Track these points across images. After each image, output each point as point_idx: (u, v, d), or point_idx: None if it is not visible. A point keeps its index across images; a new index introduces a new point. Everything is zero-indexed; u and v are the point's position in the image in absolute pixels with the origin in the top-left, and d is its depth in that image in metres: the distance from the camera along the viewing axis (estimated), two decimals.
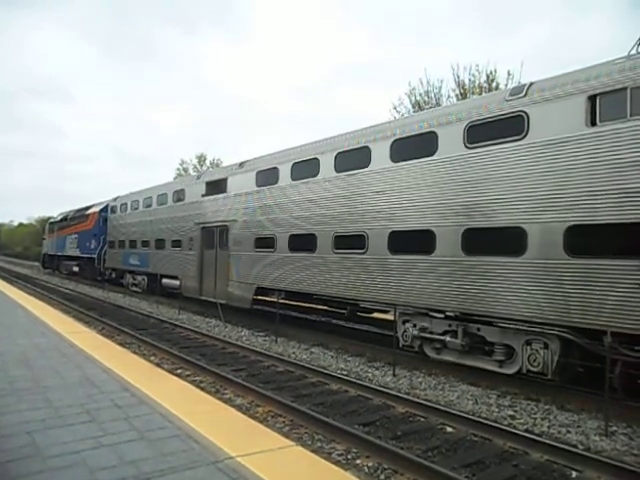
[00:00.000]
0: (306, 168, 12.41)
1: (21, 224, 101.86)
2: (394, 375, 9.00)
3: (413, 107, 25.64)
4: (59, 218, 37.02)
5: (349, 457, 5.33)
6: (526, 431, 6.18)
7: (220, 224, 15.93)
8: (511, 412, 7.06)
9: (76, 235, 31.09)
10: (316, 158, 12.14)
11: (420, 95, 25.75)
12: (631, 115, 6.79)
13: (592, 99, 7.22)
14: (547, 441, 5.67)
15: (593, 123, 7.21)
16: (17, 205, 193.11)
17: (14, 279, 30.05)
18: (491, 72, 23.93)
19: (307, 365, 9.31)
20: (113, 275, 25.77)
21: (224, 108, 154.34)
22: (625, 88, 6.86)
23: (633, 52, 7.16)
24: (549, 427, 6.49)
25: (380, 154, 10.37)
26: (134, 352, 9.29)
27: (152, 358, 9.79)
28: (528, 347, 7.84)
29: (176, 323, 14.29)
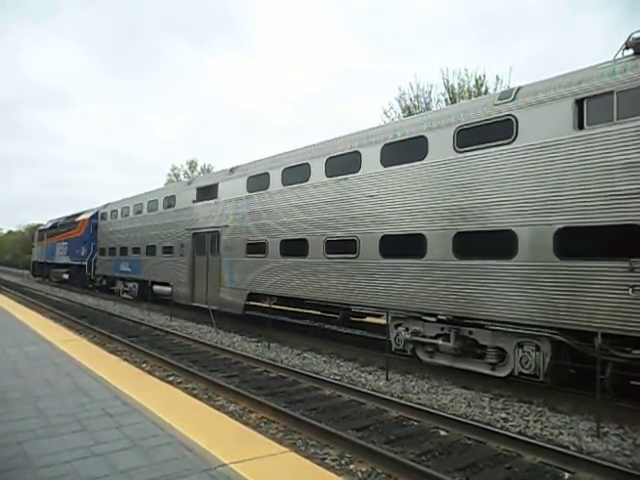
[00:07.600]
0: (297, 173, 12.42)
1: (10, 232, 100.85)
2: (387, 379, 9.00)
3: (403, 112, 25.79)
4: (49, 225, 36.74)
5: (343, 462, 5.31)
6: (519, 433, 6.21)
7: (211, 230, 15.88)
8: (504, 415, 7.08)
9: (66, 242, 30.85)
10: (307, 163, 12.16)
11: (410, 100, 25.96)
12: (618, 118, 6.89)
13: (579, 103, 7.31)
14: (540, 443, 5.70)
15: (581, 126, 7.29)
16: (17, 212, 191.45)
17: (3, 287, 29.72)
18: (480, 77, 24.20)
19: (300, 370, 9.28)
20: (104, 282, 25.59)
21: (224, 116, 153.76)
22: (612, 92, 6.96)
23: (619, 56, 7.25)
24: (542, 429, 6.52)
25: (371, 159, 10.41)
26: (125, 360, 9.20)
27: (143, 365, 9.72)
28: (520, 350, 7.88)
29: (168, 330, 14.20)
